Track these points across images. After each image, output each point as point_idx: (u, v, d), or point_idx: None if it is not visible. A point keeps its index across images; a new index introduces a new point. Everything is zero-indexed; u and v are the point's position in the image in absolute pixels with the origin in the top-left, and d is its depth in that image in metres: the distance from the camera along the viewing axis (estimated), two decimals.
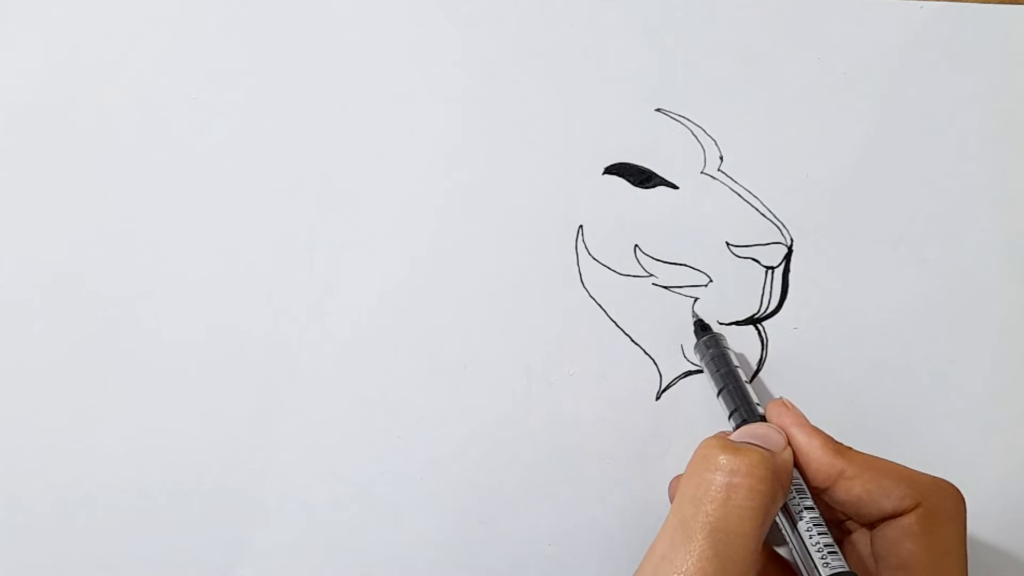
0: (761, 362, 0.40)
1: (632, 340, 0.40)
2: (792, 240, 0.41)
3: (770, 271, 0.41)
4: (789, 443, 0.33)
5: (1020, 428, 0.40)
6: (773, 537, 0.35)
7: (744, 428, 0.34)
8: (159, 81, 0.41)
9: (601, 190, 0.41)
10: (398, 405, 0.39)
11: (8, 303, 0.39)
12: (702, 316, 0.39)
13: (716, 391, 0.37)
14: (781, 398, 0.35)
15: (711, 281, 0.40)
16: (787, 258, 0.41)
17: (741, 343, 0.40)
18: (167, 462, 0.38)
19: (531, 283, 0.40)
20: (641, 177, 0.41)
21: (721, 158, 0.41)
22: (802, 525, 0.32)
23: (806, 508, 0.32)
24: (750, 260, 0.41)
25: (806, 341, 0.40)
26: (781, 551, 0.37)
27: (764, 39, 0.43)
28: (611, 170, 0.41)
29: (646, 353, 0.40)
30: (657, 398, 0.40)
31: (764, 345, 0.40)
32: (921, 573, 0.31)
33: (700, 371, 0.40)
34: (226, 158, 0.41)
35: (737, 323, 0.40)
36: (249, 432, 0.39)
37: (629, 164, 0.41)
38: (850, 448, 0.33)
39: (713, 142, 0.42)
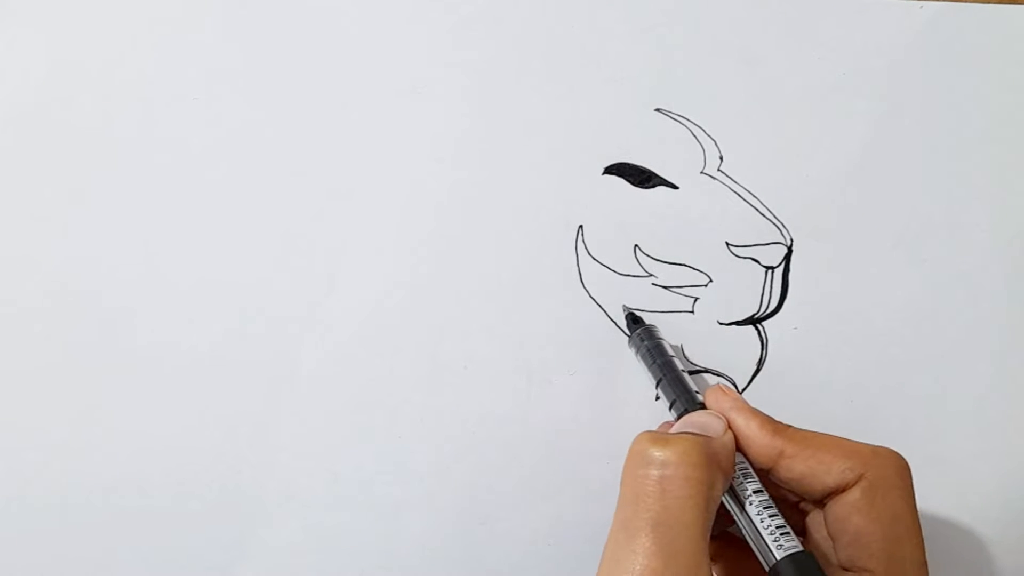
0: (761, 362, 0.40)
1: None
2: (792, 240, 0.41)
3: (770, 271, 0.41)
4: (730, 427, 0.33)
5: (1020, 428, 0.40)
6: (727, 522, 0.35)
7: (682, 419, 0.34)
8: (159, 81, 0.41)
9: (601, 190, 0.41)
10: (398, 405, 0.39)
11: (8, 303, 0.39)
12: (633, 309, 0.39)
13: (654, 383, 0.37)
14: (718, 384, 0.35)
15: (711, 281, 0.40)
16: (787, 258, 0.41)
17: (741, 343, 0.40)
18: (167, 462, 0.38)
19: (531, 283, 0.40)
20: (641, 177, 0.41)
21: (721, 158, 0.41)
22: (751, 509, 0.31)
23: (754, 492, 0.32)
24: (750, 260, 0.41)
25: (806, 341, 0.40)
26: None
27: (764, 39, 0.43)
28: (611, 170, 0.41)
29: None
30: (657, 398, 0.39)
31: (764, 345, 0.40)
32: (873, 545, 0.30)
33: (702, 371, 0.40)
34: (226, 158, 0.41)
35: (737, 323, 0.40)
36: (249, 432, 0.39)
37: (629, 164, 0.41)
38: (789, 427, 0.33)
39: (713, 142, 0.42)
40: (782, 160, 0.42)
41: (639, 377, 0.39)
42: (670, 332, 0.40)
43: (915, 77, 0.42)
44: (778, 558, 0.30)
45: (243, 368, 0.39)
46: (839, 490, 0.32)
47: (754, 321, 0.40)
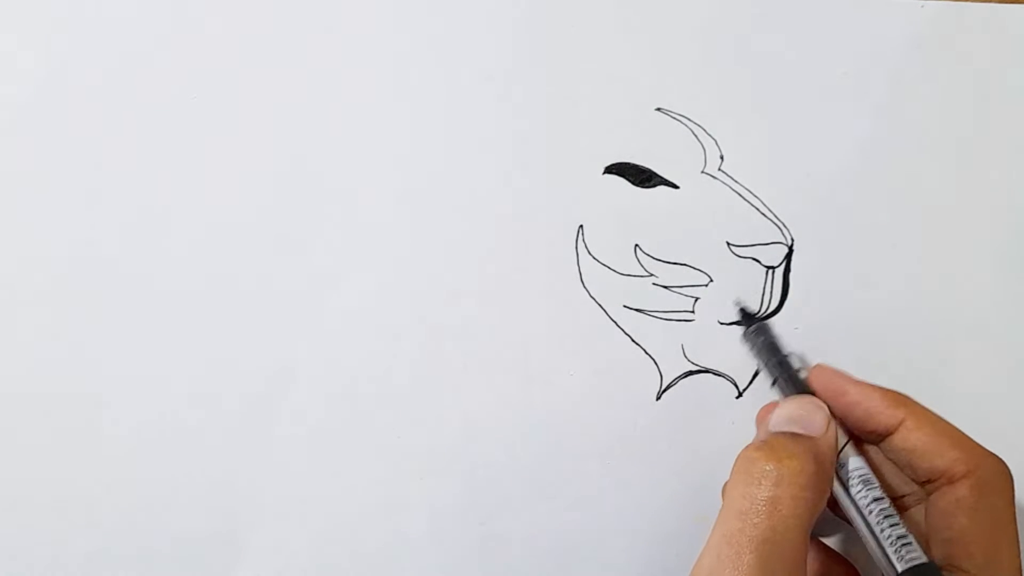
0: None
1: (632, 340, 0.40)
2: (793, 240, 0.41)
3: (771, 271, 0.41)
4: (833, 417, 0.33)
5: (1020, 428, 0.40)
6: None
7: (781, 411, 0.34)
8: (158, 81, 0.41)
9: (601, 190, 0.41)
10: (398, 405, 0.39)
11: (7, 304, 0.39)
12: (744, 305, 0.39)
13: (771, 381, 0.37)
14: (819, 364, 0.36)
15: (711, 281, 0.40)
16: (788, 258, 0.41)
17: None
18: (166, 461, 0.38)
19: (531, 283, 0.40)
20: (641, 177, 0.41)
21: (721, 158, 0.41)
22: (872, 518, 0.32)
23: (874, 500, 0.32)
24: (751, 260, 0.41)
25: (807, 341, 0.40)
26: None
27: (764, 39, 0.42)
28: (611, 170, 0.41)
29: (646, 353, 0.40)
30: (657, 398, 0.39)
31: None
32: (972, 546, 0.31)
33: (702, 371, 0.40)
34: (225, 158, 0.41)
35: (738, 323, 0.40)
36: (248, 432, 0.39)
37: (629, 164, 0.41)
38: (911, 398, 0.34)
39: (713, 142, 0.42)
40: (782, 160, 0.42)
41: (639, 377, 0.39)
42: (670, 332, 0.40)
43: (915, 77, 0.42)
44: (900, 570, 0.30)
45: (242, 368, 0.39)
46: (945, 479, 0.32)
47: (755, 321, 0.40)
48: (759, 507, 0.30)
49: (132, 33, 0.42)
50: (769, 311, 0.40)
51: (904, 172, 0.42)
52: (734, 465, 0.32)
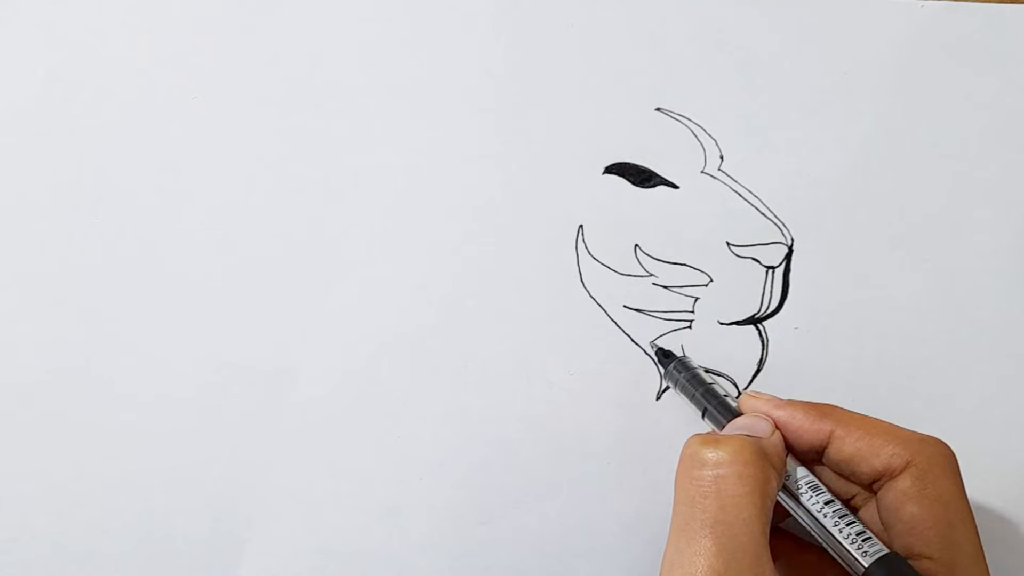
0: (761, 362, 0.40)
1: (632, 340, 0.40)
2: (793, 240, 0.41)
3: (771, 271, 0.41)
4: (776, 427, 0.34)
5: (1020, 428, 0.40)
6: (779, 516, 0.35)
7: (728, 425, 0.34)
8: (158, 81, 0.41)
9: (601, 190, 0.41)
10: (398, 405, 0.39)
11: (6, 305, 0.39)
12: (661, 344, 0.39)
13: (700, 414, 0.37)
14: (745, 391, 0.37)
15: (711, 281, 0.40)
16: (788, 258, 0.41)
17: (742, 343, 0.40)
18: (166, 461, 0.38)
19: (531, 283, 0.40)
20: (641, 177, 0.41)
21: (721, 158, 0.41)
22: (827, 521, 0.32)
23: (826, 503, 0.32)
24: (750, 260, 0.41)
25: (807, 341, 0.40)
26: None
27: (764, 39, 0.42)
28: (611, 170, 0.41)
29: (646, 353, 0.40)
30: (657, 398, 0.39)
31: (764, 345, 0.40)
32: (927, 532, 0.31)
33: (703, 371, 0.40)
34: (225, 159, 0.41)
35: (737, 323, 0.40)
36: (248, 432, 0.39)
37: (629, 164, 0.41)
38: (836, 407, 0.34)
39: (713, 142, 0.41)
40: (782, 160, 0.42)
41: (639, 377, 0.39)
42: (670, 332, 0.40)
43: (915, 77, 0.42)
44: (866, 565, 0.30)
45: (242, 368, 0.39)
46: (887, 475, 0.32)
47: (755, 321, 0.40)
48: (705, 489, 0.30)
49: (132, 33, 0.42)
50: (769, 311, 0.40)
51: (904, 172, 0.42)
52: (678, 462, 0.32)
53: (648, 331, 0.40)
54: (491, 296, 0.40)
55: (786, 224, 0.41)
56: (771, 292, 0.40)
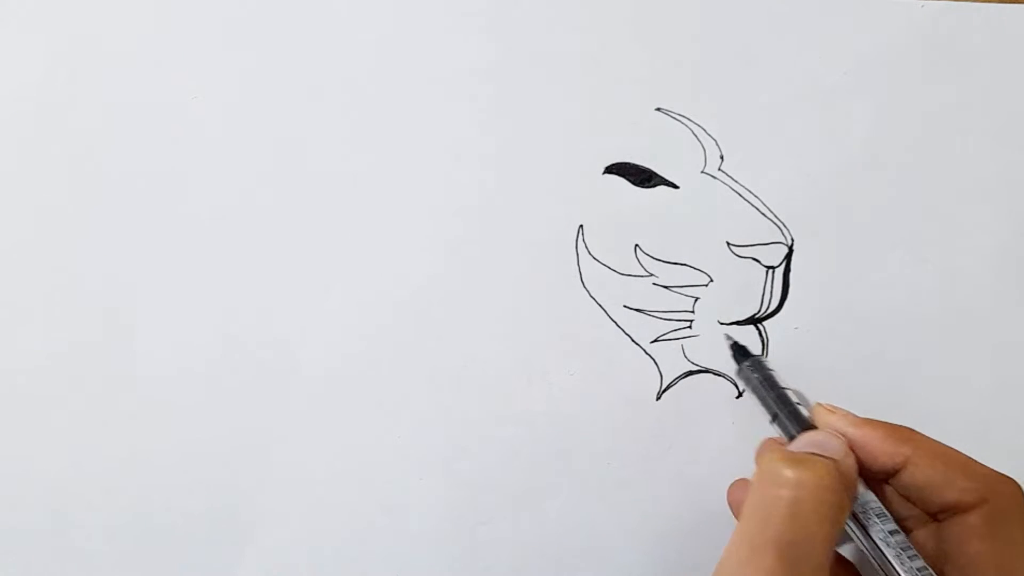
0: None
1: (632, 340, 0.40)
2: (793, 240, 0.41)
3: (771, 271, 0.41)
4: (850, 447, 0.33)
5: (1021, 428, 0.40)
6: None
7: (802, 437, 0.34)
8: (158, 81, 0.41)
9: (601, 190, 0.41)
10: (398, 405, 0.39)
11: (4, 305, 0.39)
12: (736, 338, 0.39)
13: (769, 417, 0.36)
14: (819, 404, 0.35)
15: (711, 281, 0.40)
16: (788, 258, 0.41)
17: (742, 343, 0.40)
18: (168, 462, 0.38)
19: (531, 283, 0.40)
20: (641, 177, 0.41)
21: (722, 158, 0.41)
22: (889, 551, 0.31)
23: (890, 532, 0.32)
24: (751, 260, 0.41)
25: (807, 341, 0.40)
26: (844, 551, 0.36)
27: (764, 39, 0.42)
28: (611, 170, 0.41)
29: (646, 353, 0.40)
30: (657, 398, 0.39)
31: (765, 345, 0.40)
32: (989, 571, 0.31)
33: (702, 371, 0.40)
34: (225, 159, 0.41)
35: (738, 323, 0.40)
36: (250, 433, 0.39)
37: (629, 164, 0.41)
38: (916, 432, 0.33)
39: (713, 142, 0.41)
40: (782, 160, 0.41)
41: (639, 377, 0.39)
42: (670, 332, 0.40)
43: (916, 77, 0.42)
44: None
45: (243, 368, 0.39)
46: (958, 509, 0.32)
47: (755, 321, 0.40)
48: (781, 508, 0.29)
49: (132, 33, 0.42)
50: (769, 311, 0.40)
51: (904, 172, 0.42)
52: (755, 475, 0.31)
53: (648, 331, 0.40)
54: (491, 296, 0.40)
55: (786, 224, 0.41)
56: (771, 292, 0.40)
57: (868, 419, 0.34)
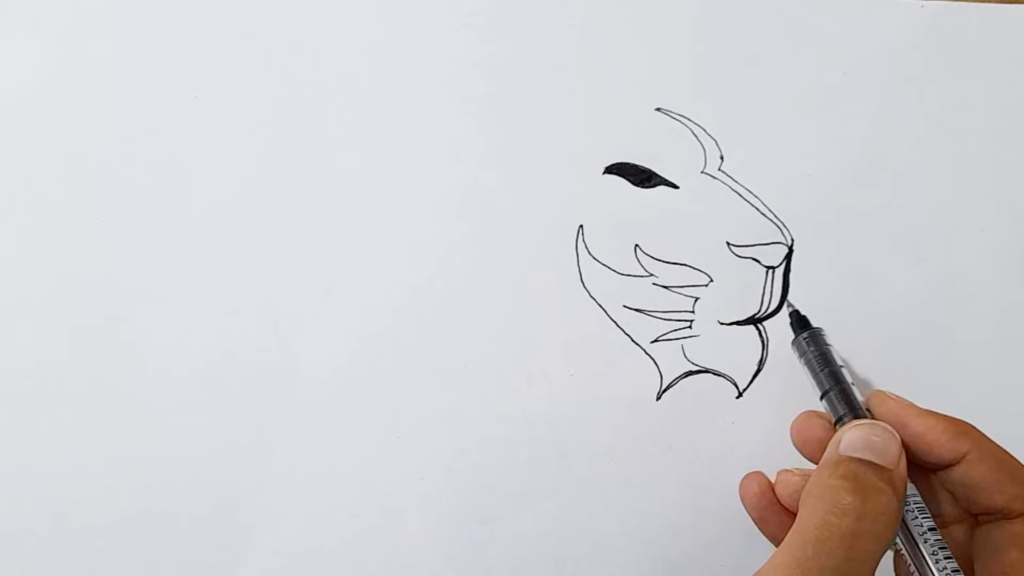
0: (761, 362, 0.40)
1: (632, 340, 0.40)
2: (793, 240, 0.41)
3: (771, 271, 0.41)
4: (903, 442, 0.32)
5: (1021, 428, 0.39)
6: None
7: (859, 436, 0.32)
8: (159, 81, 0.41)
9: (601, 190, 0.41)
10: (398, 405, 0.39)
11: (3, 306, 0.39)
12: (797, 307, 0.39)
13: (819, 393, 0.36)
14: (877, 391, 0.34)
15: (711, 281, 0.40)
16: (788, 258, 0.41)
17: (742, 343, 0.40)
18: (168, 463, 0.38)
19: (531, 283, 0.40)
20: (641, 177, 0.41)
21: (722, 158, 0.41)
22: (925, 548, 0.31)
23: (929, 530, 0.31)
24: (751, 260, 0.41)
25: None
26: None
27: (764, 39, 0.42)
28: (611, 170, 0.41)
29: (646, 353, 0.40)
30: (658, 398, 0.39)
31: (764, 345, 0.40)
32: None
33: (702, 371, 0.40)
34: (226, 159, 0.41)
35: (738, 323, 0.40)
36: (250, 433, 0.39)
37: (629, 164, 0.41)
38: (974, 428, 0.32)
39: (713, 142, 0.41)
40: (783, 160, 0.41)
41: (639, 377, 0.39)
42: (670, 332, 0.40)
43: (916, 77, 0.42)
44: None
45: (243, 368, 0.39)
46: (1003, 514, 0.31)
47: (755, 321, 0.40)
48: (839, 539, 0.29)
49: (133, 33, 0.42)
50: (769, 311, 0.40)
51: (904, 172, 0.42)
52: (811, 488, 0.30)
53: (648, 331, 0.40)
54: (492, 296, 0.40)
55: (786, 224, 0.41)
56: (771, 292, 0.40)
57: (929, 410, 0.33)
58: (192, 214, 0.40)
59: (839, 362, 0.36)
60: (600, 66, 0.42)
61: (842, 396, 0.35)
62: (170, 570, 0.38)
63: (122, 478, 0.38)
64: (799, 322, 0.38)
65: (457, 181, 0.41)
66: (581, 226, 0.41)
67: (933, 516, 0.32)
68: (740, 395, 0.40)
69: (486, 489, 0.38)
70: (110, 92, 0.41)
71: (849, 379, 0.35)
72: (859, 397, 0.35)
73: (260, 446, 0.39)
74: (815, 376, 0.36)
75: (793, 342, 0.38)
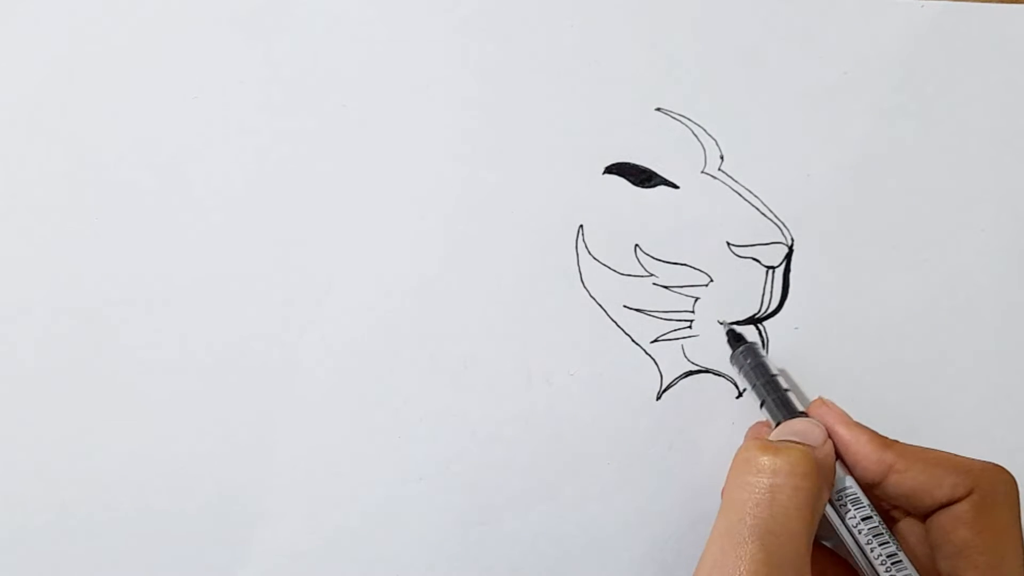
0: None
1: (632, 340, 0.40)
2: (793, 240, 0.41)
3: (771, 271, 0.41)
4: (830, 438, 0.33)
5: (1021, 428, 0.40)
6: (822, 530, 0.35)
7: (782, 426, 0.34)
8: (159, 81, 0.41)
9: (601, 190, 0.41)
10: (398, 405, 0.39)
11: (4, 306, 0.39)
12: (733, 325, 0.39)
13: (759, 403, 0.37)
14: (820, 397, 0.36)
15: (712, 281, 0.40)
16: (788, 258, 0.41)
17: (739, 330, 0.40)
18: (168, 463, 0.38)
19: (531, 283, 0.40)
20: (641, 177, 0.41)
21: (722, 158, 0.41)
22: (861, 538, 0.32)
23: (863, 519, 0.32)
24: (751, 260, 0.41)
25: (807, 341, 0.40)
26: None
27: (764, 39, 0.42)
28: (611, 170, 0.41)
29: (646, 353, 0.40)
30: (658, 398, 0.39)
31: (765, 345, 0.40)
32: (978, 558, 0.31)
33: (702, 371, 0.40)
34: (225, 158, 0.41)
35: (738, 323, 0.40)
36: (250, 433, 0.39)
37: (629, 164, 0.41)
38: (897, 441, 0.33)
39: (713, 142, 0.41)
40: (783, 160, 0.42)
41: (639, 377, 0.39)
42: (670, 332, 0.40)
43: (916, 77, 0.42)
44: None
45: (244, 368, 0.39)
46: (948, 504, 0.32)
47: (755, 321, 0.40)
48: (758, 496, 0.30)
49: (133, 33, 0.42)
50: (769, 311, 0.40)
51: (904, 172, 0.42)
52: (732, 464, 0.32)
53: (648, 331, 0.40)
54: (491, 296, 0.40)
55: (786, 224, 0.41)
56: (771, 292, 0.40)
57: (859, 424, 0.34)
58: (192, 214, 0.40)
59: (774, 371, 0.37)
60: (600, 66, 0.42)
61: (778, 401, 0.36)
62: (170, 570, 0.38)
63: (122, 477, 0.38)
64: (735, 338, 0.39)
65: (457, 181, 0.41)
66: (581, 226, 0.41)
67: (884, 517, 0.32)
68: (740, 395, 0.40)
69: (486, 489, 0.38)
70: (110, 92, 0.41)
71: (785, 385, 0.36)
72: (796, 402, 0.36)
73: (260, 446, 0.39)
74: (753, 387, 0.37)
75: (731, 358, 0.39)
